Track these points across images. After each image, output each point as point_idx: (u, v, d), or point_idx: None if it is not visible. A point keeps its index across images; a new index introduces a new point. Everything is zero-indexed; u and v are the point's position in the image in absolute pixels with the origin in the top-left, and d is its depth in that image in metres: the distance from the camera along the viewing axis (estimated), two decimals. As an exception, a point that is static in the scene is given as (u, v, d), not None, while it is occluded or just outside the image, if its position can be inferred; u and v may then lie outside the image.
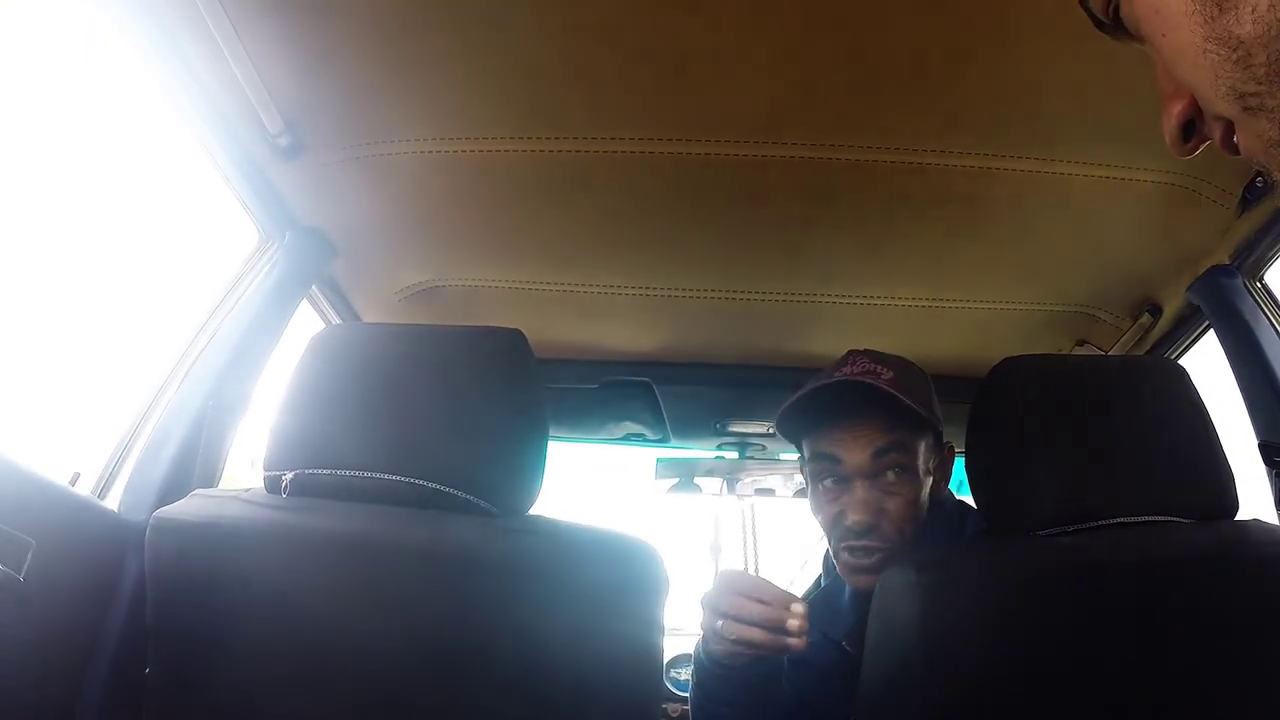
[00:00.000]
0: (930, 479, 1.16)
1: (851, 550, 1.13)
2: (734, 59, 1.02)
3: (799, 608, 0.95)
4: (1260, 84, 0.46)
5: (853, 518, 1.11)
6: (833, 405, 1.14)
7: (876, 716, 0.88)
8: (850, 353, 1.18)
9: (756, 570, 2.47)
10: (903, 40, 0.98)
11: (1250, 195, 1.18)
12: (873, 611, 0.89)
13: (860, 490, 1.12)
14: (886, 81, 1.05)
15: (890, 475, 1.12)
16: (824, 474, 1.16)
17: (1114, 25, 0.55)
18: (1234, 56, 0.46)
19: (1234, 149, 0.52)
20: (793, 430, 1.21)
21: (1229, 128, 0.52)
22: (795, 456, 1.27)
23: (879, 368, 1.13)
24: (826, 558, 1.41)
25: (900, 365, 1.15)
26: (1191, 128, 0.55)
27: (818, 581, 1.44)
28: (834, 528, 1.15)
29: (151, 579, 0.88)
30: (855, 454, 1.12)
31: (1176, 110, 0.54)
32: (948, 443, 1.21)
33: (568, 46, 1.02)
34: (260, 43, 1.01)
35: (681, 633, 2.23)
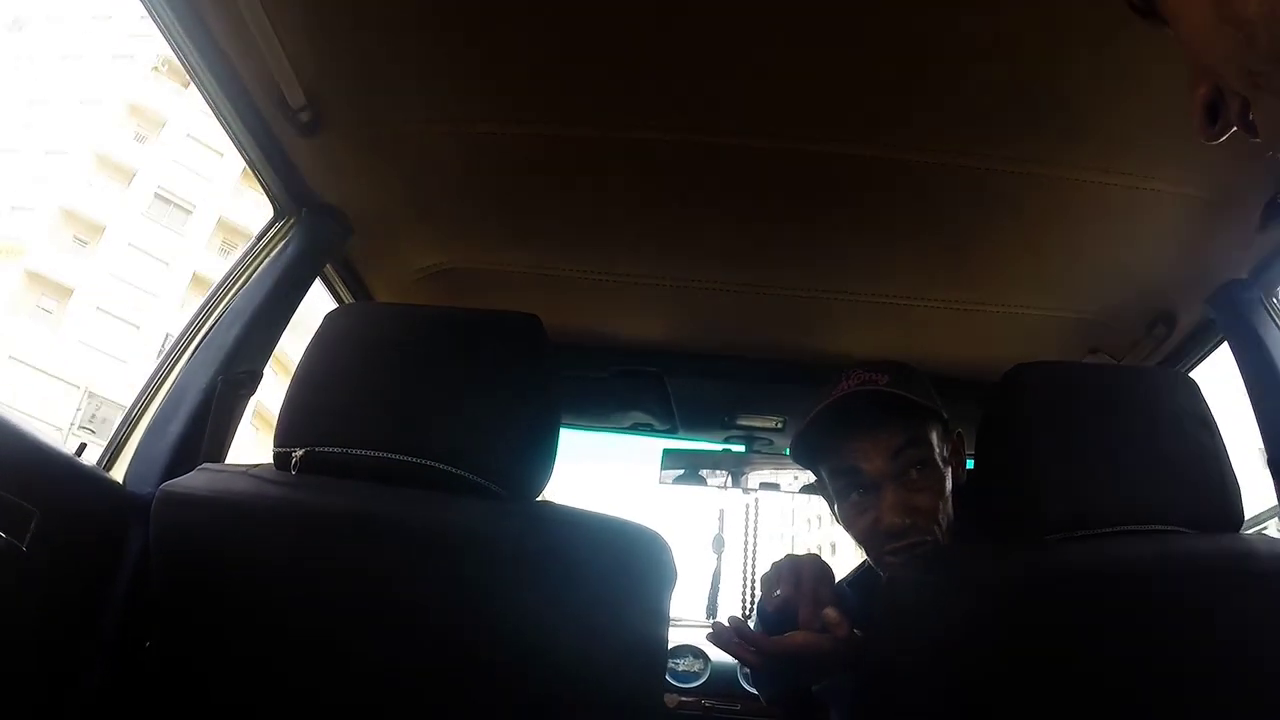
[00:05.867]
0: (949, 468, 1.17)
1: (895, 553, 1.12)
2: (758, 50, 1.02)
3: None
4: (1265, 63, 0.51)
5: (888, 520, 1.11)
6: (844, 420, 1.15)
7: (880, 713, 0.88)
8: (843, 372, 1.19)
9: (754, 564, 2.45)
10: (926, 40, 0.98)
11: (1271, 210, 1.17)
12: (880, 608, 0.89)
13: (890, 494, 1.12)
14: (910, 81, 1.04)
15: (914, 473, 1.13)
16: (850, 488, 1.17)
17: (1144, 7, 0.59)
18: (1241, 35, 0.50)
19: (1252, 129, 0.57)
20: (809, 454, 1.22)
21: (1245, 105, 0.56)
22: None
23: (875, 375, 1.15)
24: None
25: (893, 367, 1.17)
26: (1216, 111, 0.59)
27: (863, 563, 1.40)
28: (871, 537, 1.15)
29: (157, 552, 0.88)
30: (876, 460, 1.13)
31: (1201, 92, 0.59)
32: (955, 429, 1.22)
33: (590, 31, 1.01)
34: (285, 17, 1.00)
35: (683, 623, 2.23)
